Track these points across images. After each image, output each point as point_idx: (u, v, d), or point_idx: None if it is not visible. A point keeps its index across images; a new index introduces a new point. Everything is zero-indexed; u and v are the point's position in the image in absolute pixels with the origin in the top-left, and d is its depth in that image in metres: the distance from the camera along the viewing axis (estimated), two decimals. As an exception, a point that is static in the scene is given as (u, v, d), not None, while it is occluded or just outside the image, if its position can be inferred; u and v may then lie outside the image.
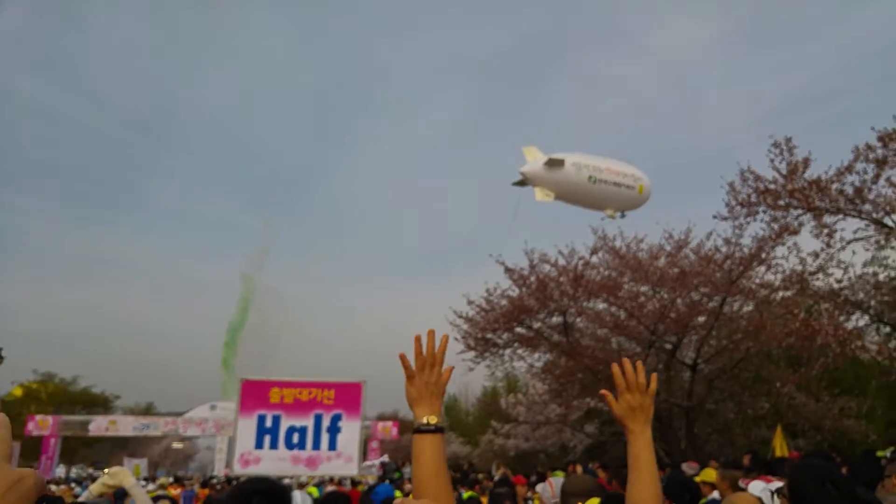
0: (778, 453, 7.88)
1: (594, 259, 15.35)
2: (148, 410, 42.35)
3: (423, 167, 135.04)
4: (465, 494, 10.75)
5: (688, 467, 8.44)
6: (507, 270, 15.80)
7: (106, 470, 3.64)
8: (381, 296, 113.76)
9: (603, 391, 1.87)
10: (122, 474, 3.57)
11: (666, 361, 15.39)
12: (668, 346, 15.40)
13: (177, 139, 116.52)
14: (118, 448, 37.45)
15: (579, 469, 8.54)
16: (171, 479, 17.43)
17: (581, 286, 14.83)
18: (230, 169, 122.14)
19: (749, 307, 14.40)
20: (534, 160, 12.78)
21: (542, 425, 22.86)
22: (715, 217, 12.73)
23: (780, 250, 12.86)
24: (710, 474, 5.86)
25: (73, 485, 14.78)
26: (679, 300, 14.10)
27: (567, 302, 15.33)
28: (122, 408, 41.43)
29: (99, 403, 39.85)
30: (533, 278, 15.54)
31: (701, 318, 14.32)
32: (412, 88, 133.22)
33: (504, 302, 16.02)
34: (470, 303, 16.56)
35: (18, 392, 37.18)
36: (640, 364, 1.76)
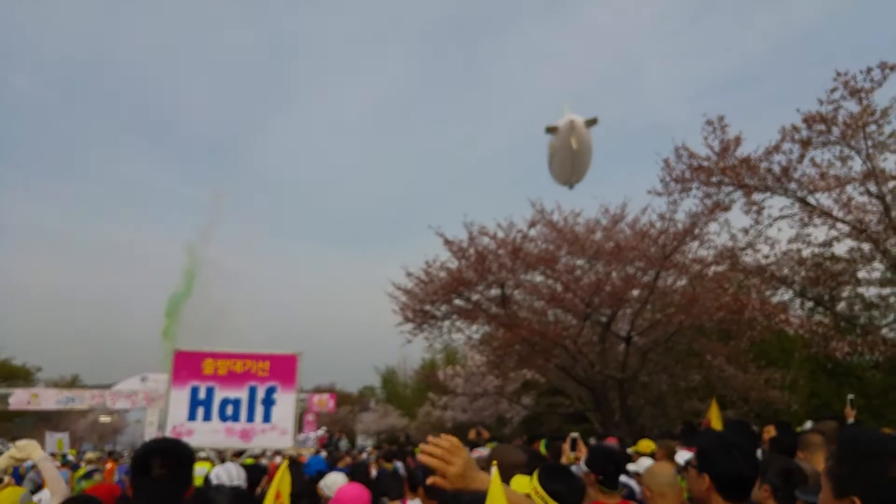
0: (714, 425, 8.19)
1: (532, 232, 15.52)
2: (73, 383, 40.63)
3: (361, 135, 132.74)
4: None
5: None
6: (447, 242, 15.78)
7: (15, 443, 3.46)
8: (317, 267, 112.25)
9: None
10: (31, 447, 3.41)
11: (601, 334, 15.81)
12: (604, 319, 15.81)
13: (100, 101, 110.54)
14: (41, 422, 35.86)
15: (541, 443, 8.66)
16: (102, 455, 16.87)
17: (519, 259, 14.98)
18: (156, 133, 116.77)
19: (682, 282, 14.88)
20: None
21: (479, 397, 23.21)
22: (650, 192, 13.03)
23: (713, 226, 13.31)
24: (646, 445, 6.01)
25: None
26: (614, 274, 14.45)
27: (505, 274, 15.48)
28: (44, 380, 39.61)
29: (20, 376, 37.99)
30: (472, 250, 15.58)
31: (635, 292, 14.72)
32: (349, 54, 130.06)
33: (443, 274, 16.04)
34: (409, 274, 16.54)
35: (-71, 365, 35.06)
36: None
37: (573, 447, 5.42)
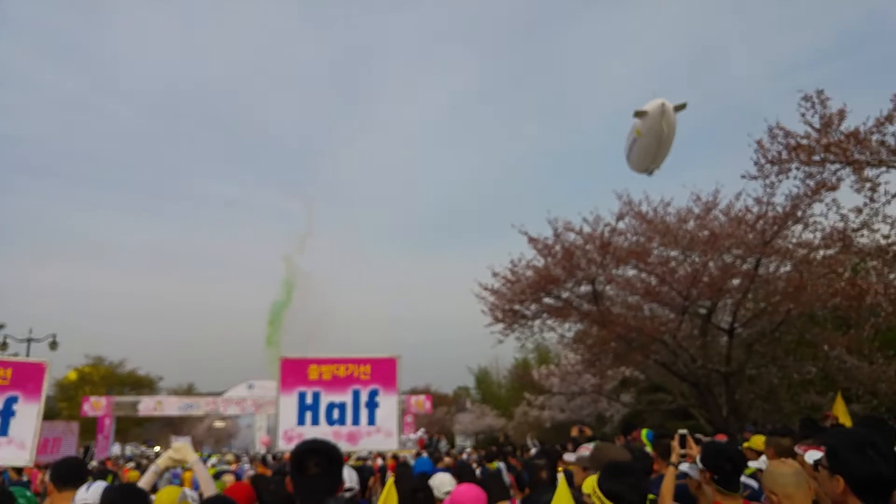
0: (842, 420, 7.61)
1: (621, 225, 15.16)
2: (189, 391, 43.49)
3: (439, 138, 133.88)
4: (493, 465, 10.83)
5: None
6: (531, 240, 15.71)
7: (173, 445, 3.83)
8: (407, 270, 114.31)
9: None
10: (185, 450, 3.77)
11: (701, 326, 15.23)
12: (703, 311, 15.22)
13: (195, 125, 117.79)
14: (166, 427, 38.73)
15: (644, 436, 8.40)
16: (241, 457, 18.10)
17: (609, 253, 14.69)
18: (243, 150, 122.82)
19: (787, 268, 14.05)
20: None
21: (576, 395, 22.90)
22: (744, 177, 12.33)
23: (818, 207, 12.43)
24: (758, 441, 5.66)
25: (131, 464, 15.40)
26: (711, 263, 13.87)
27: (595, 270, 15.21)
28: (166, 388, 42.65)
29: (145, 385, 41.09)
30: (558, 247, 15.43)
31: (735, 281, 14.08)
32: (420, 58, 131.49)
33: (530, 272, 15.97)
34: (495, 275, 16.57)
35: (73, 376, 38.75)
36: None
37: (682, 444, 5.18)
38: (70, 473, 3.71)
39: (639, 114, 12.99)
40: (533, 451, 14.45)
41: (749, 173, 12.16)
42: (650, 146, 13.29)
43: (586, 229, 15.07)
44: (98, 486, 3.25)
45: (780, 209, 12.65)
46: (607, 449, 4.10)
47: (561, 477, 1.62)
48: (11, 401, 8.01)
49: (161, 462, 3.82)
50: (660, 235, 14.60)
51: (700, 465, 3.28)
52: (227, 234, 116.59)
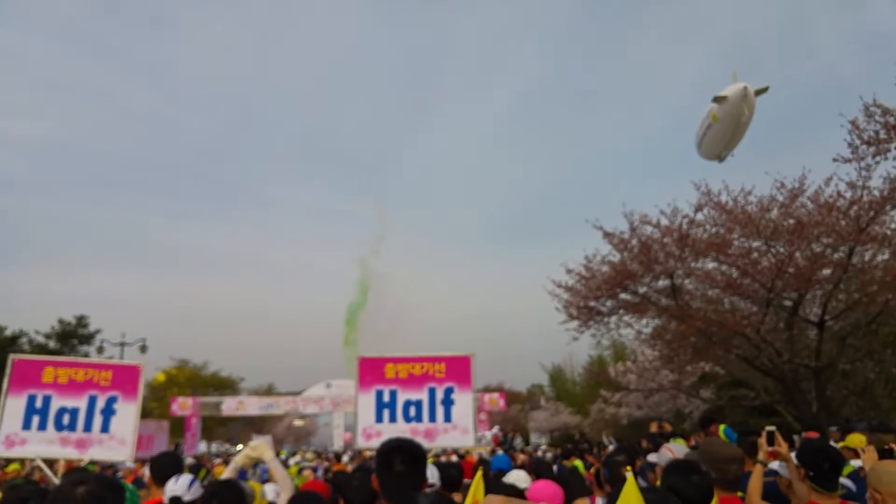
0: None
1: (699, 216, 14.57)
2: (269, 391, 45.18)
3: (508, 136, 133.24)
4: (575, 462, 10.70)
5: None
6: (606, 235, 15.40)
7: (251, 443, 3.97)
8: (475, 268, 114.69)
9: None
10: (262, 448, 3.88)
11: (787, 319, 14.50)
12: (789, 304, 14.48)
13: (268, 134, 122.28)
14: (247, 426, 40.38)
15: (720, 429, 8.04)
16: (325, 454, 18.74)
17: (687, 246, 14.20)
18: (314, 155, 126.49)
19: (885, 256, 13.16)
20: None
21: (654, 392, 22.32)
22: (836, 160, 11.59)
23: (922, 190, 11.59)
24: (857, 440, 5.36)
25: (218, 460, 16.15)
26: (798, 253, 13.16)
27: (673, 263, 14.74)
28: (247, 389, 44.47)
29: (227, 386, 43.07)
30: (634, 241, 15.06)
31: (826, 272, 13.31)
32: (485, 57, 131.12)
33: (605, 268, 15.67)
34: (569, 271, 16.34)
35: (162, 377, 41.25)
36: None
37: (770, 442, 4.95)
38: (168, 468, 3.88)
39: (718, 99, 12.75)
40: (610, 448, 14.19)
41: (841, 156, 11.40)
42: (726, 132, 13.29)
43: (664, 222, 14.62)
44: (185, 479, 3.37)
45: (876, 193, 11.84)
46: (716, 445, 3.93)
47: (630, 475, 1.62)
48: (112, 400, 8.50)
49: (239, 459, 3.99)
50: (740, 226, 13.95)
51: (796, 463, 3.14)
52: (301, 238, 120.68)
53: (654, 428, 9.56)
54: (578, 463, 12.40)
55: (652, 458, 5.22)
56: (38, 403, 8.40)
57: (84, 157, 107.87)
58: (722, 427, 7.51)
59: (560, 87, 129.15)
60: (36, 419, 8.38)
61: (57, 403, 8.36)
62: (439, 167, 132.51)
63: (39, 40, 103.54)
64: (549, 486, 3.61)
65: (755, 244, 14.25)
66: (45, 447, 8.17)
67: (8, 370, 8.25)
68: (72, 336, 32.15)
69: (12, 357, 8.55)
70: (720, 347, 14.83)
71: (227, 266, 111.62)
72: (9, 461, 11.71)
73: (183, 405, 31.66)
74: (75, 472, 4.76)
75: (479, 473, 2.46)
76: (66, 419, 8.36)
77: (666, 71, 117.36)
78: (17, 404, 8.23)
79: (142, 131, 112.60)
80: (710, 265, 15.09)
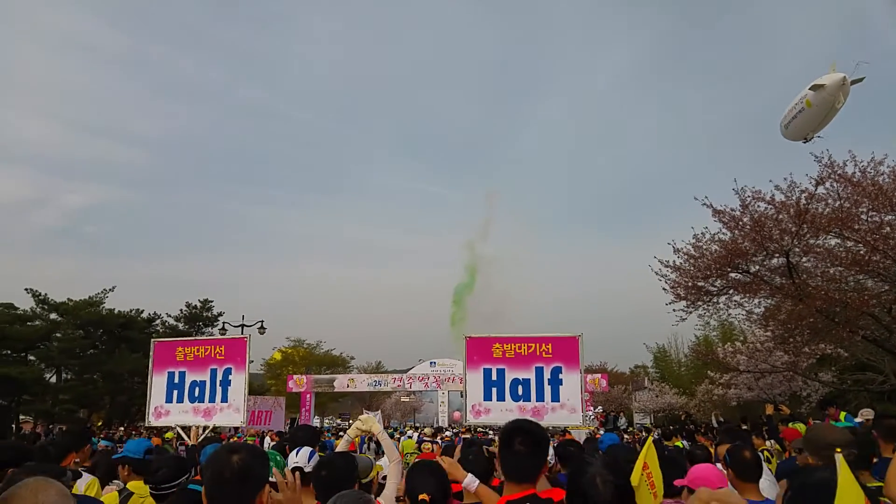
0: None
1: (820, 190, 13.75)
2: (378, 368, 47.02)
3: (605, 114, 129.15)
4: (677, 443, 10.58)
5: None
6: (716, 212, 14.84)
7: (360, 417, 4.26)
8: (580, 249, 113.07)
9: None
10: (371, 422, 4.15)
11: (922, 299, 13.47)
12: (925, 281, 13.43)
13: (365, 119, 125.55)
14: (358, 402, 42.32)
15: (841, 415, 7.73)
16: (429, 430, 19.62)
17: (805, 222, 13.45)
18: (416, 141, 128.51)
19: None
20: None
21: (766, 374, 21.36)
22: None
23: None
24: None
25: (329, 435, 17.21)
26: (936, 227, 12.18)
27: (789, 241, 14.01)
28: (356, 367, 46.51)
29: (338, 364, 45.23)
30: (746, 218, 14.43)
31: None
32: (589, 30, 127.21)
33: (715, 247, 15.12)
34: (676, 251, 15.89)
35: (278, 356, 43.96)
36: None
37: None
38: (306, 440, 4.23)
39: (815, 87, 13.37)
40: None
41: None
42: (818, 116, 13.90)
43: (779, 197, 13.89)
44: (305, 451, 3.51)
45: None
46: (825, 430, 3.83)
47: (840, 458, 1.61)
48: (227, 372, 9.60)
49: (351, 432, 4.26)
50: (869, 199, 13.01)
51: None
52: (407, 223, 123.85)
53: (769, 410, 9.34)
54: (680, 443, 12.26)
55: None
56: (176, 379, 9.54)
57: (205, 151, 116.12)
58: (843, 414, 7.23)
59: (665, 60, 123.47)
60: (175, 393, 9.54)
61: (189, 378, 9.43)
62: (544, 148, 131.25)
63: (159, 45, 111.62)
64: (711, 469, 3.42)
65: (887, 218, 13.27)
66: (182, 416, 9.38)
67: (151, 352, 9.40)
68: (198, 318, 35.16)
69: (153, 341, 9.76)
70: (844, 328, 13.99)
71: (340, 251, 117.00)
72: (160, 429, 13.19)
73: (298, 382, 33.60)
74: (207, 439, 5.42)
75: (650, 439, 2.55)
76: (196, 391, 9.45)
77: (778, 41, 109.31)
78: (160, 381, 9.50)
79: (254, 125, 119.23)
80: (832, 241, 14.22)
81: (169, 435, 13.17)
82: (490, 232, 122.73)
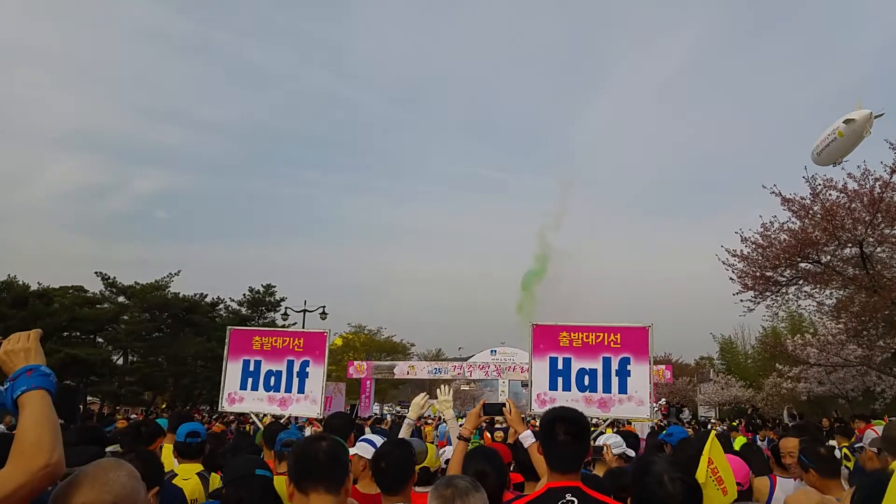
0: None
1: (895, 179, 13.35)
2: (437, 356, 47.51)
3: (678, 99, 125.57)
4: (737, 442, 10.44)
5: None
6: (785, 201, 14.60)
7: (440, 395, 4.49)
8: (645, 238, 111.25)
9: None
10: (446, 405, 4.37)
11: None
12: None
13: (430, 109, 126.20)
14: (417, 389, 42.86)
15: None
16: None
17: (880, 211, 13.09)
18: (484, 131, 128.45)
19: None
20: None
21: (839, 368, 20.70)
22: None
23: None
24: None
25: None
26: None
27: (863, 230, 13.66)
28: (417, 354, 47.08)
29: (399, 351, 45.92)
30: (817, 207, 14.13)
31: None
32: (653, 14, 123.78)
33: (784, 236, 14.87)
34: (744, 240, 15.68)
35: (339, 342, 44.66)
36: None
37: None
38: (340, 427, 4.31)
39: (847, 121, 15.93)
40: (789, 425, 13.64)
41: None
42: (848, 145, 16.06)
43: (852, 186, 13.60)
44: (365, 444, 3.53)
45: None
46: (892, 430, 3.74)
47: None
48: (305, 364, 9.82)
49: (412, 414, 4.48)
50: (948, 187, 12.61)
51: None
52: (471, 210, 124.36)
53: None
54: (742, 439, 11.97)
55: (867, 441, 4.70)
56: (251, 367, 9.84)
57: (269, 137, 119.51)
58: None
59: (733, 46, 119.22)
60: (250, 381, 9.82)
61: (265, 367, 9.62)
62: (612, 139, 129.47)
63: (227, 32, 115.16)
64: (734, 460, 3.30)
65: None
66: (257, 404, 9.54)
67: (227, 339, 9.81)
68: (260, 303, 35.60)
69: (229, 329, 10.16)
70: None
71: (402, 238, 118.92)
72: (225, 415, 13.82)
73: (359, 368, 34.12)
74: (275, 424, 5.50)
75: (713, 434, 2.49)
76: (272, 381, 9.79)
77: (848, 29, 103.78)
78: (235, 368, 9.67)
79: (319, 111, 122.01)
80: (910, 231, 13.78)
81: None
82: (560, 220, 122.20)
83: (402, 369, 34.63)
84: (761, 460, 4.72)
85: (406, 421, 4.50)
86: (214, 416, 20.76)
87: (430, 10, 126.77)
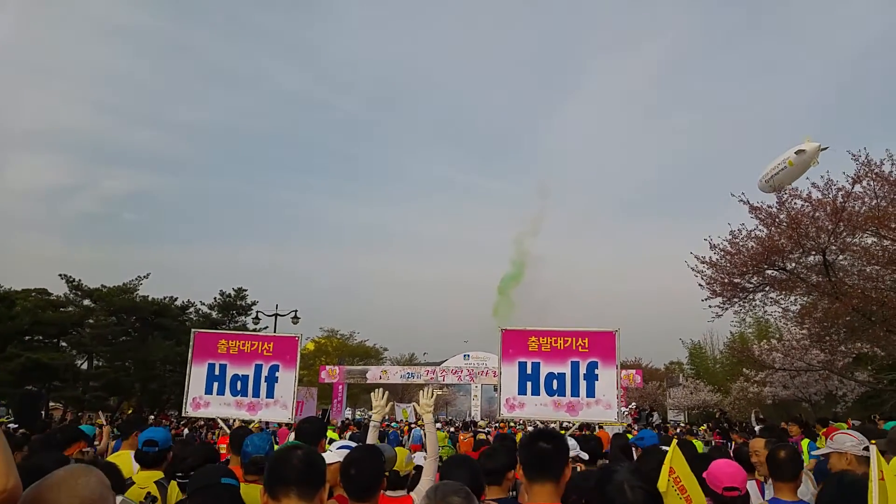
0: None
1: (857, 189, 13.72)
2: (410, 361, 47.31)
3: (646, 108, 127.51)
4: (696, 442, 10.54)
5: None
6: (753, 209, 14.89)
7: (422, 399, 4.36)
8: (614, 243, 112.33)
9: None
10: (427, 410, 4.24)
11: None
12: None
13: (405, 112, 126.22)
14: (391, 394, 42.60)
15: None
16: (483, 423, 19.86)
17: (842, 220, 13.42)
18: (457, 133, 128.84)
19: None
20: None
21: (802, 372, 21.16)
22: None
23: None
24: None
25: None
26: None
27: (826, 238, 13.99)
28: (390, 358, 46.85)
29: (372, 355, 45.58)
30: (783, 216, 14.44)
31: None
32: (622, 22, 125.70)
33: (752, 243, 15.16)
34: (713, 247, 15.94)
35: (311, 346, 44.22)
36: None
37: None
38: (312, 432, 4.26)
39: (799, 152, 18.27)
40: (756, 428, 13.88)
41: None
42: (796, 173, 18.17)
43: (815, 195, 13.91)
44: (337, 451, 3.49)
45: None
46: None
47: (875, 449, 1.48)
48: (274, 368, 9.54)
49: (376, 416, 4.38)
50: (906, 198, 13.00)
51: None
52: (444, 214, 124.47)
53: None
54: (698, 443, 12.05)
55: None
56: (217, 371, 9.37)
57: (241, 138, 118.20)
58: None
59: (703, 54, 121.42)
60: (215, 385, 9.37)
61: (231, 371, 9.29)
62: (586, 144, 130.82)
63: (200, 31, 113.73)
64: (730, 464, 3.23)
65: (924, 217, 13.20)
66: (223, 409, 9.23)
67: (191, 342, 9.42)
68: (231, 307, 34.80)
69: (193, 331, 9.75)
70: (880, 327, 13.92)
71: (375, 241, 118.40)
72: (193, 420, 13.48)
73: (331, 373, 33.86)
74: (242, 429, 5.23)
75: (674, 443, 2.46)
76: (238, 385, 9.42)
77: (816, 40, 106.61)
78: (199, 372, 9.34)
79: (292, 113, 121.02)
80: (869, 240, 14.15)
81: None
82: (537, 225, 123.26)
83: (374, 374, 34.47)
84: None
85: (371, 424, 4.43)
86: (183, 422, 20.44)
87: (407, 14, 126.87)
